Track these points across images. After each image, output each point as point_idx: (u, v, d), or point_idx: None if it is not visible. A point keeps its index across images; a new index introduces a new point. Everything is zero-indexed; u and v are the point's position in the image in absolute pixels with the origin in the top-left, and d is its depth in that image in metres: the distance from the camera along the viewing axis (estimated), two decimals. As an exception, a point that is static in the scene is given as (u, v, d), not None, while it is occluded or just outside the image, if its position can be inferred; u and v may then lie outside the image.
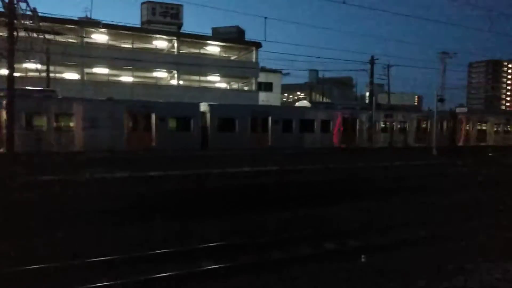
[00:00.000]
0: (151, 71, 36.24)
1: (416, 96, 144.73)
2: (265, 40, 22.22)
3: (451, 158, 23.68)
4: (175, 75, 35.27)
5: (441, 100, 33.84)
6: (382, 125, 28.97)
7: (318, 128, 26.00)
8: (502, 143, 32.82)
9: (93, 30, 31.92)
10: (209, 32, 41.38)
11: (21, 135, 17.26)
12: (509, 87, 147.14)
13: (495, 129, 33.77)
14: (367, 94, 34.32)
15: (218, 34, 40.55)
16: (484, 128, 33.35)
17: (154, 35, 34.92)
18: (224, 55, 40.33)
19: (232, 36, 40.32)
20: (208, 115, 22.57)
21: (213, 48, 38.29)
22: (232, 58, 40.67)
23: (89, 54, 29.69)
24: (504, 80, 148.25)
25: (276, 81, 48.29)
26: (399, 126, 29.54)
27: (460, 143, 31.59)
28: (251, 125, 23.57)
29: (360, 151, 25.69)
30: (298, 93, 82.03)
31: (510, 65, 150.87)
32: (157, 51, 36.62)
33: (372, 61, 29.83)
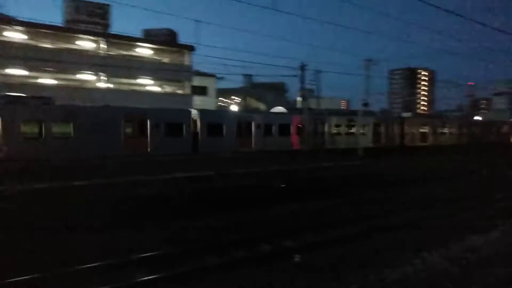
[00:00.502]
0: (75, 73, 33.92)
1: (343, 101, 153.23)
2: (198, 44, 21.91)
3: (373, 159, 25.49)
4: (103, 78, 33.39)
5: (365, 104, 36.21)
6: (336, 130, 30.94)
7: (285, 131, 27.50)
8: (438, 143, 37.29)
9: (5, 27, 29.03)
10: (139, 34, 39.94)
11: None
12: (423, 93, 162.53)
13: (433, 131, 37.86)
14: (298, 99, 35.49)
15: (149, 36, 39.29)
16: (425, 130, 37.32)
17: (79, 35, 32.77)
18: (156, 57, 39.11)
19: (164, 39, 39.34)
20: (198, 121, 23.67)
21: (144, 51, 36.95)
22: (165, 61, 39.61)
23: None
24: (419, 86, 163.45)
25: (211, 85, 48.00)
26: (361, 130, 31.66)
27: (408, 144, 35.12)
28: (237, 130, 25.04)
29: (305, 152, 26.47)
30: (233, 97, 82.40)
31: (423, 73, 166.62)
32: (82, 52, 34.38)
33: (302, 67, 30.97)
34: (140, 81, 38.15)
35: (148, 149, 21.30)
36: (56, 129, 19.31)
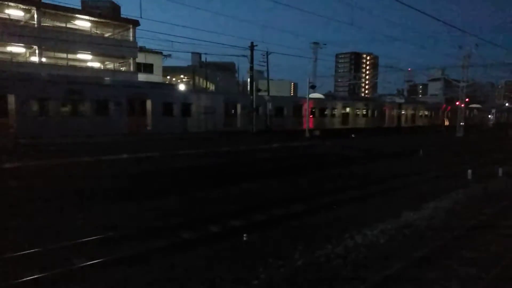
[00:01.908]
0: (4, 45, 30.85)
1: (292, 83, 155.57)
2: (141, 18, 20.67)
3: (319, 139, 26.62)
4: (36, 51, 30.67)
5: (312, 87, 37.03)
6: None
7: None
8: (421, 124, 45.99)
9: None
10: (78, 5, 37.00)
11: None
12: (367, 77, 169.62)
13: (420, 114, 46.07)
14: (249, 80, 35.42)
15: (88, 8, 36.55)
16: (414, 113, 45.32)
17: (7, 2, 29.57)
18: (96, 31, 36.61)
19: (106, 12, 36.85)
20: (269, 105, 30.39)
21: (83, 23, 34.34)
22: (106, 35, 37.23)
23: None
24: (363, 70, 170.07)
25: (157, 62, 46.13)
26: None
27: (403, 125, 43.30)
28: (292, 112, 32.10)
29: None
30: (182, 76, 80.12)
31: (368, 57, 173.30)
32: (10, 22, 31.19)
33: (252, 47, 30.70)
34: (79, 56, 35.66)
35: (238, 125, 27.99)
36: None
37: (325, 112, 35.12)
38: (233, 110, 28.43)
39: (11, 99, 18.65)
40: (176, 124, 24.32)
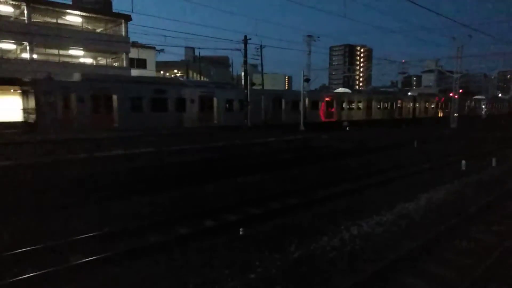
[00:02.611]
0: (-6, 41, 30.48)
1: (286, 77, 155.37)
2: (132, 12, 20.49)
3: (315, 132, 26.73)
4: (27, 48, 30.30)
5: (307, 80, 36.95)
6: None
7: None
8: (433, 115, 48.47)
9: None
10: (68, 0, 36.55)
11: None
12: (361, 69, 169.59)
13: (432, 106, 48.72)
14: (243, 74, 35.34)
15: (79, 3, 36.11)
16: (427, 105, 47.95)
17: (-5, -2, 29.18)
18: (88, 27, 36.22)
19: (97, 7, 36.43)
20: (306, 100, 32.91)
21: (74, 18, 33.96)
22: (98, 31, 36.86)
23: None
24: (357, 62, 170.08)
25: (150, 57, 45.78)
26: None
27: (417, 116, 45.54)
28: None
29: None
30: (176, 71, 79.68)
31: (362, 50, 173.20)
32: (1, 18, 30.75)
33: (245, 41, 30.52)
34: (71, 52, 35.30)
35: (283, 119, 31.19)
36: None
37: (352, 105, 38.52)
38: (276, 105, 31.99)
39: (114, 98, 22.37)
40: (236, 117, 28.46)
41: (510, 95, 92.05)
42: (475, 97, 61.22)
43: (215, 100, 27.45)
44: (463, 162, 14.97)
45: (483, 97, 65.64)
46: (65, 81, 22.29)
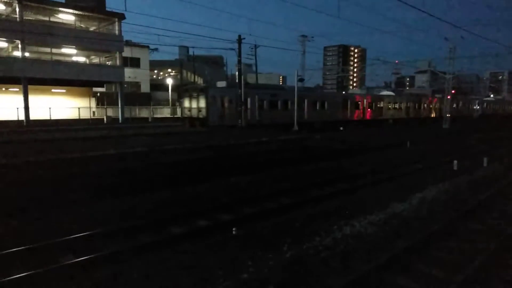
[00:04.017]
0: (-15, 39, 30.12)
1: (281, 77, 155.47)
2: (126, 11, 20.36)
3: (308, 133, 26.87)
4: (19, 46, 29.97)
5: (301, 80, 37.02)
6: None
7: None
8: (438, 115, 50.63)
9: None
10: (61, -1, 36.17)
11: None
12: (355, 69, 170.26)
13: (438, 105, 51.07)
14: (237, 73, 35.30)
15: (72, 1, 35.77)
16: (439, 105, 50.49)
17: (-13, -4, 28.83)
18: (81, 25, 35.91)
19: (91, 5, 36.12)
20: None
21: (67, 17, 33.63)
22: (91, 29, 36.57)
23: None
24: (351, 63, 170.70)
25: (144, 56, 45.58)
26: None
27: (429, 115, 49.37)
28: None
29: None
30: (169, 70, 79.38)
31: (356, 50, 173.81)
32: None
33: (239, 40, 30.47)
34: (64, 50, 35.00)
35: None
36: None
37: (389, 106, 43.54)
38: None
39: (248, 100, 29.32)
40: (320, 114, 34.55)
41: (502, 96, 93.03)
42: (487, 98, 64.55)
43: (306, 100, 33.62)
44: (455, 162, 15.11)
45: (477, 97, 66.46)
46: (220, 88, 29.58)
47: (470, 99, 61.85)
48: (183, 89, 30.48)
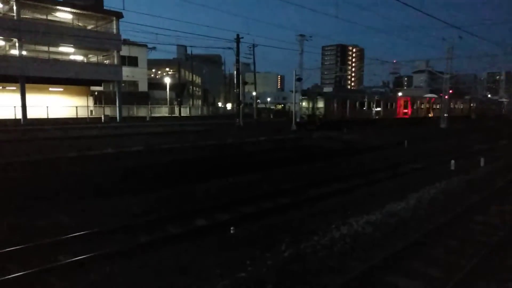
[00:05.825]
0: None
1: (279, 76, 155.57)
2: (124, 10, 20.42)
3: (308, 132, 26.95)
4: (16, 44, 29.88)
5: (299, 79, 37.04)
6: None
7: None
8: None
9: None
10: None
11: None
12: (353, 69, 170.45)
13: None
14: (235, 72, 35.30)
15: (70, 0, 35.67)
16: (455, 105, 52.55)
17: (-16, -6, 28.75)
18: (79, 24, 35.83)
19: (88, 3, 36.02)
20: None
21: (65, 15, 33.57)
22: (89, 28, 36.48)
23: None
24: (349, 62, 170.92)
25: (142, 55, 45.52)
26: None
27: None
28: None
29: None
30: (167, 69, 79.28)
31: (354, 50, 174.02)
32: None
33: (237, 39, 30.52)
34: (62, 49, 34.91)
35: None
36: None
37: (422, 106, 46.82)
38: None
39: (347, 102, 36.11)
40: (367, 113, 38.32)
41: (499, 96, 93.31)
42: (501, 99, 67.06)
43: (382, 102, 39.73)
44: (452, 162, 15.16)
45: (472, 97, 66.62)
46: (331, 93, 40.23)
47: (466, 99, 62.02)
48: (302, 93, 36.92)
